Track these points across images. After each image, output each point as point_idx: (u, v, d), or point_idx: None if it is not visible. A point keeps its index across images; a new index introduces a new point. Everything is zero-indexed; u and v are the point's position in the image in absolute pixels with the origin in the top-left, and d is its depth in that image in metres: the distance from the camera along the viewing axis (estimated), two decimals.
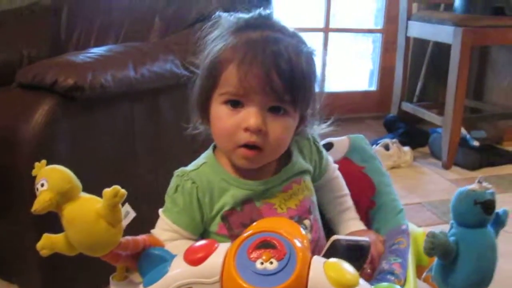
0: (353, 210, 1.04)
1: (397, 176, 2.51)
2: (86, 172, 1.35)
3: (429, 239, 0.58)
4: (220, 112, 0.83)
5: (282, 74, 0.78)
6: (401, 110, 3.10)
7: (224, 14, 0.90)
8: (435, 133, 2.85)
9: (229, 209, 0.86)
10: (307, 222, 0.90)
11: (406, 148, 2.71)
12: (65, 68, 1.34)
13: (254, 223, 0.67)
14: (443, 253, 0.58)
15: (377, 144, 2.67)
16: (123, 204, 0.63)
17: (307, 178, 0.94)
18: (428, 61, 3.24)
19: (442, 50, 2.97)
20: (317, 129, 0.96)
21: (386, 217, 1.01)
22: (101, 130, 1.44)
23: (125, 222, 0.64)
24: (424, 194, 2.36)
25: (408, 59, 3.11)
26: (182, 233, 0.87)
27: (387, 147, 2.65)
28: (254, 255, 0.59)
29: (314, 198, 0.95)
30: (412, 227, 1.03)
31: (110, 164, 1.47)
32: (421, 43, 3.19)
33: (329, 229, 1.02)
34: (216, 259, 0.60)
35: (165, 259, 0.65)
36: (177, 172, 0.90)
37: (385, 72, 3.37)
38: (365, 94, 3.52)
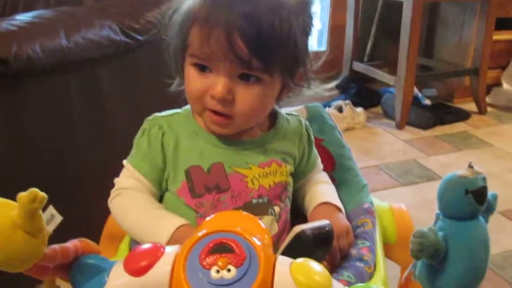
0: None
1: (352, 138, 2.47)
2: (18, 158, 1.25)
3: (416, 240, 0.49)
4: (190, 74, 0.77)
5: (247, 38, 0.69)
6: (353, 70, 3.05)
7: None
8: (387, 93, 2.82)
9: (194, 165, 0.79)
10: (276, 208, 0.81)
11: (359, 109, 2.67)
12: None
13: (207, 218, 0.57)
14: (433, 254, 0.50)
15: (329, 106, 2.61)
16: (45, 208, 0.52)
17: (289, 165, 0.85)
18: (378, 19, 3.18)
19: (391, 7, 2.91)
20: (311, 92, 0.89)
21: (348, 195, 0.93)
22: (33, 107, 1.30)
23: (50, 228, 0.53)
24: (380, 156, 2.33)
25: (358, 18, 3.04)
26: (143, 181, 0.81)
27: (340, 109, 2.60)
28: (208, 261, 0.50)
29: (290, 188, 0.86)
30: (376, 203, 0.96)
31: (47, 145, 1.33)
32: (370, 1, 3.11)
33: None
34: (162, 268, 0.51)
35: (101, 269, 0.55)
36: (149, 117, 0.85)
37: (335, 31, 3.29)
38: (314, 54, 3.42)
